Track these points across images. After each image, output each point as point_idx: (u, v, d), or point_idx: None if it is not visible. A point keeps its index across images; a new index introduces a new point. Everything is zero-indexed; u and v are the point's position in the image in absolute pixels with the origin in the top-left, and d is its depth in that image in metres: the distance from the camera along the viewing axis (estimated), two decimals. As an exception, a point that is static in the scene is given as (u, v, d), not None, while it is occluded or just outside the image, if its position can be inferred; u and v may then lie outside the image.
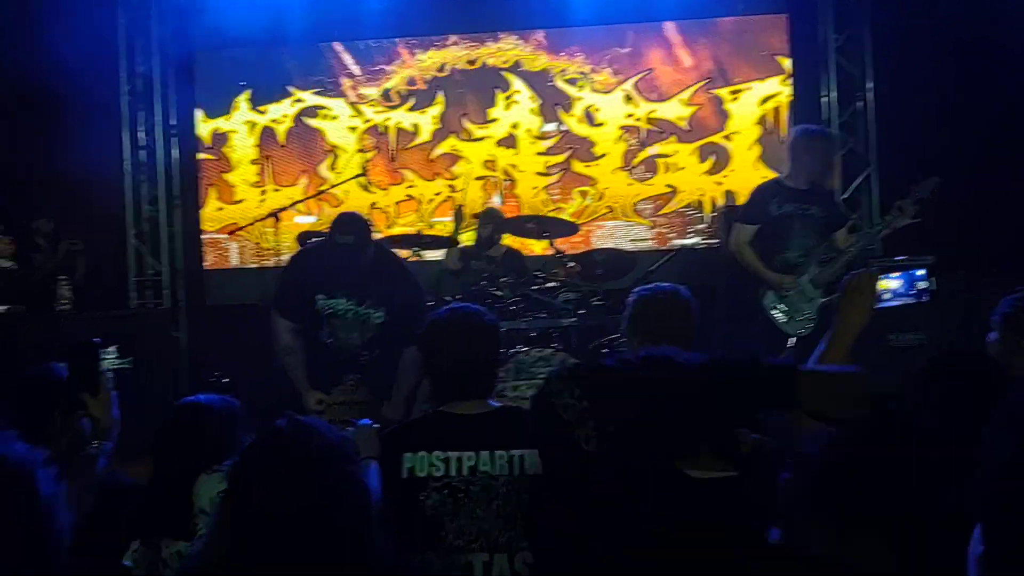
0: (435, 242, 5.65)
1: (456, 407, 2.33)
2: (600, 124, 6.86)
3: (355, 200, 6.87)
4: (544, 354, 4.81)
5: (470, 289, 5.14)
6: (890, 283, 2.52)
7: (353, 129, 7.06)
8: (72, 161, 6.39)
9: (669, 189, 6.79)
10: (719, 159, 6.77)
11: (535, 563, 2.17)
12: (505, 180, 6.92)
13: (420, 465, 2.25)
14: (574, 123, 6.89)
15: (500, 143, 6.95)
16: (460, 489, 2.23)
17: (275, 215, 5.45)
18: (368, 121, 7.06)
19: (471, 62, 6.97)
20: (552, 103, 6.89)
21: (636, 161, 6.83)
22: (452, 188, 6.92)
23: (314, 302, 4.08)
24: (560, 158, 6.90)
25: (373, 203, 6.97)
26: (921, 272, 2.39)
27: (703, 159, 6.78)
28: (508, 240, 5.87)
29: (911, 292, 2.43)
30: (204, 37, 6.88)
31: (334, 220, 4.15)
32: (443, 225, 6.75)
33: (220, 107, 7.12)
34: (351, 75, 7.06)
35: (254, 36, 6.69)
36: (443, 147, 6.99)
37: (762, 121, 6.73)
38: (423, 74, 7.01)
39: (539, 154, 6.92)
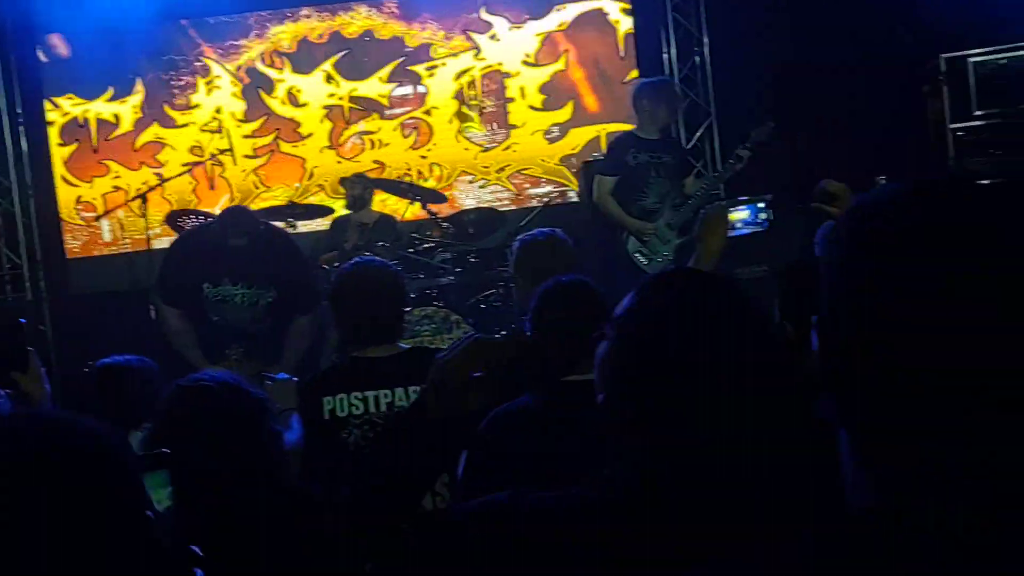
0: (308, 212, 5.76)
1: (369, 351, 2.54)
2: (304, 104, 7.02)
3: (62, 193, 6.92)
4: (427, 312, 5.04)
5: (346, 255, 5.29)
6: (739, 214, 2.91)
7: (50, 124, 6.99)
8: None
9: (376, 165, 6.99)
10: (420, 134, 7.06)
11: (451, 483, 2.41)
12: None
13: (340, 406, 2.46)
14: (277, 104, 7.04)
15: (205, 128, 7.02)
16: (380, 424, 2.45)
17: (143, 197, 5.45)
18: (67, 114, 6.99)
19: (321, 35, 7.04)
20: (255, 86, 7.01)
21: (343, 139, 7.03)
22: (160, 176, 6.78)
23: (200, 290, 4.15)
24: (267, 140, 7.03)
25: (79, 196, 6.95)
26: (762, 205, 2.76)
27: (406, 135, 7.06)
28: (378, 207, 6.04)
29: (756, 221, 2.80)
30: (48, 24, 6.68)
31: (223, 215, 4.21)
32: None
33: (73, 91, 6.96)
34: (202, 54, 7.01)
35: (102, 18, 6.53)
36: (146, 136, 7.00)
37: (459, 95, 7.05)
38: (278, 48, 7.03)
39: (245, 137, 7.04)
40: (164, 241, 5.76)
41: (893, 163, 5.76)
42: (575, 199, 6.81)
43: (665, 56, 7.02)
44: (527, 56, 7.02)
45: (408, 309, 5.10)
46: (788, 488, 0.99)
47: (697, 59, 6.99)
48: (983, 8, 5.32)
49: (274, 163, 7.01)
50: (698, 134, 6.99)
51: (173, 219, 5.71)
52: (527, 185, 7.07)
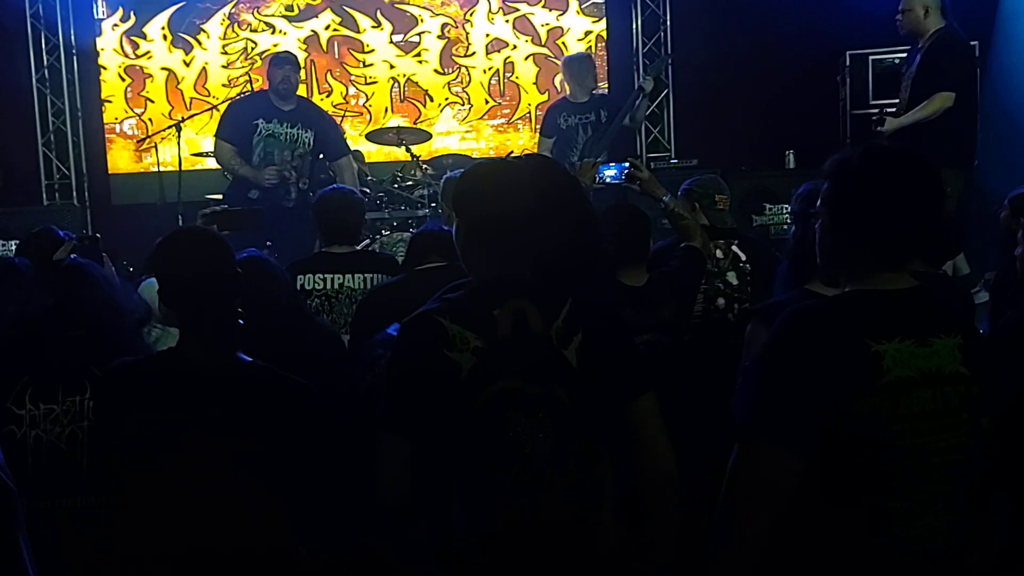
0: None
1: (334, 248, 3.72)
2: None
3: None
4: (403, 237, 6.17)
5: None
6: (608, 172, 4.01)
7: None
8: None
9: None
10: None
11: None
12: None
13: (308, 282, 3.63)
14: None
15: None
16: (332, 296, 3.61)
17: (176, 126, 6.58)
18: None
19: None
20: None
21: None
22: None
23: (254, 127, 5.48)
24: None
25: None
26: (625, 165, 3.84)
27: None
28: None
29: (620, 178, 3.88)
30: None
31: (273, 57, 5.75)
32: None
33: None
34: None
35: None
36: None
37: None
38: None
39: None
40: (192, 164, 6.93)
41: (802, 140, 6.86)
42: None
43: (633, 32, 8.06)
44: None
45: (387, 233, 6.33)
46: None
47: (660, 35, 8.04)
48: (886, 14, 6.33)
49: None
50: (656, 101, 8.05)
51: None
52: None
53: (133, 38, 8.06)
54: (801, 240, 2.58)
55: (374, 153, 7.62)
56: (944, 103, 4.90)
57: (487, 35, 8.16)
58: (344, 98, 8.10)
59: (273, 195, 5.55)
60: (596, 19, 8.14)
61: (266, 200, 5.48)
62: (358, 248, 3.83)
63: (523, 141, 8.07)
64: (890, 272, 1.77)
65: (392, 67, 8.13)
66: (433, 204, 6.48)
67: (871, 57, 6.39)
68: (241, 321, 2.04)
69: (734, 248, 3.81)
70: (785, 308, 2.60)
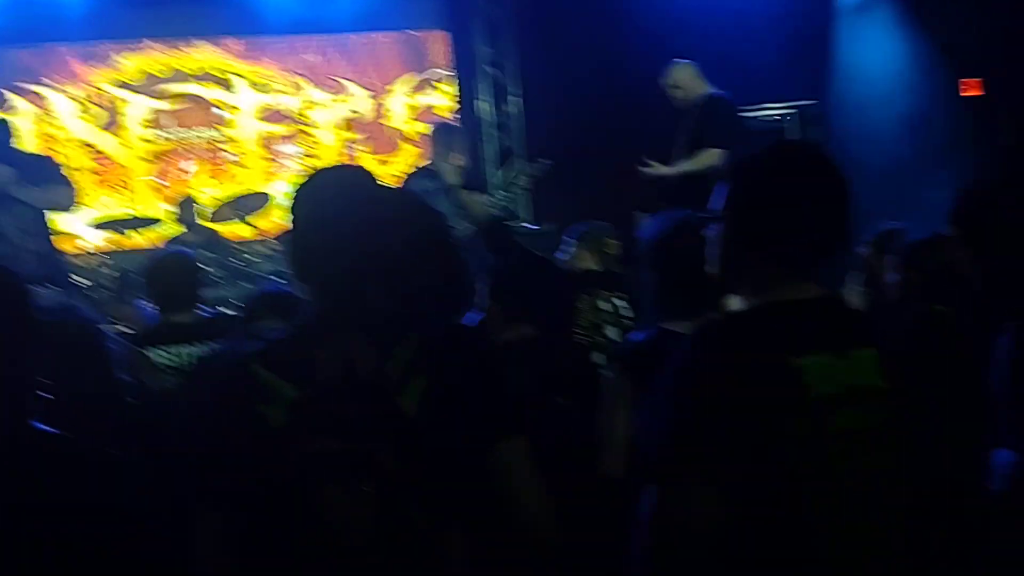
0: (141, 223, 6.54)
1: (176, 317, 3.34)
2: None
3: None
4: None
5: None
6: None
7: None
8: None
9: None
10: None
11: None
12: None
13: (156, 357, 3.22)
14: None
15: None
16: (185, 371, 3.22)
17: None
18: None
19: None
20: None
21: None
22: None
23: None
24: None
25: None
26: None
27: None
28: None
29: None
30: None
31: None
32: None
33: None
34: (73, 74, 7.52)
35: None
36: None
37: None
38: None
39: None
40: None
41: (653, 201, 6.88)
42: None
43: (484, 105, 7.99)
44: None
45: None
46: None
47: (509, 107, 8.01)
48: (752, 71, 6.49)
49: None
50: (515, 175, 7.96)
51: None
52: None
53: None
54: (657, 281, 2.49)
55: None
56: (711, 159, 5.13)
57: None
58: None
59: None
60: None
61: None
62: (203, 315, 3.47)
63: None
64: (799, 280, 1.59)
65: None
66: (284, 281, 6.12)
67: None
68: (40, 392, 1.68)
69: (620, 303, 3.69)
70: (638, 348, 2.50)
